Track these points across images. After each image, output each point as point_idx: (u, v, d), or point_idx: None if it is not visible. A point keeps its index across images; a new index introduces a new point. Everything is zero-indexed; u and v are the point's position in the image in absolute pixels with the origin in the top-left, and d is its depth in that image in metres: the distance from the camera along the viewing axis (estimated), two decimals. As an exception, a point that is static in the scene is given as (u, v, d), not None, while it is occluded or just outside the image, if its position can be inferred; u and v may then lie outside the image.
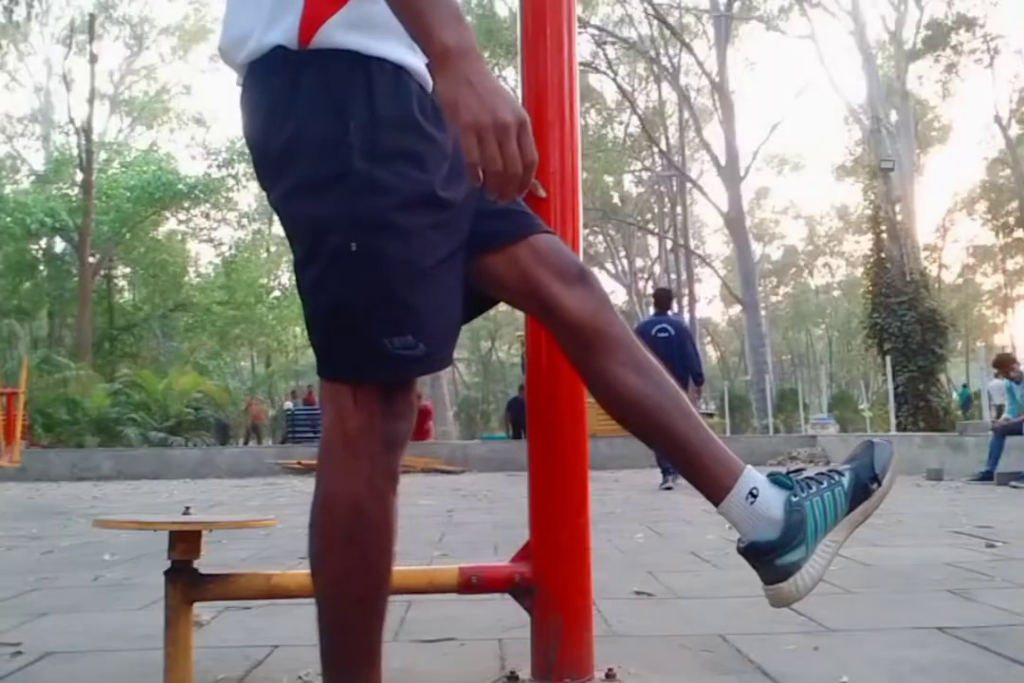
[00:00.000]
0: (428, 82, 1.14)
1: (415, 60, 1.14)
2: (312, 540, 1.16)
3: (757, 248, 35.49)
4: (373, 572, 1.16)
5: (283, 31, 1.11)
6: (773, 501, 1.21)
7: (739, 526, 1.22)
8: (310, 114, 1.10)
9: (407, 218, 1.10)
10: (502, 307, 1.39)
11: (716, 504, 1.22)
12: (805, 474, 1.28)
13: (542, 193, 1.63)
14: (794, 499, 1.21)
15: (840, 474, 1.27)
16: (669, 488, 7.49)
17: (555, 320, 1.25)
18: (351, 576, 1.15)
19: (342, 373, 1.15)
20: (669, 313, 7.90)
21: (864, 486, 1.26)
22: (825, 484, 1.25)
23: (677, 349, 7.18)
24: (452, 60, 1.00)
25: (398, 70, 1.13)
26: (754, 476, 1.23)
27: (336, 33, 1.10)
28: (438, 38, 1.00)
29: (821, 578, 1.22)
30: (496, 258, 1.24)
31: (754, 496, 1.21)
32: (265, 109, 1.14)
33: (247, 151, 1.22)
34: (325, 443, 1.16)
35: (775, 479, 1.24)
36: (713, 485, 1.24)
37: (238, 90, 1.19)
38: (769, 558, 1.20)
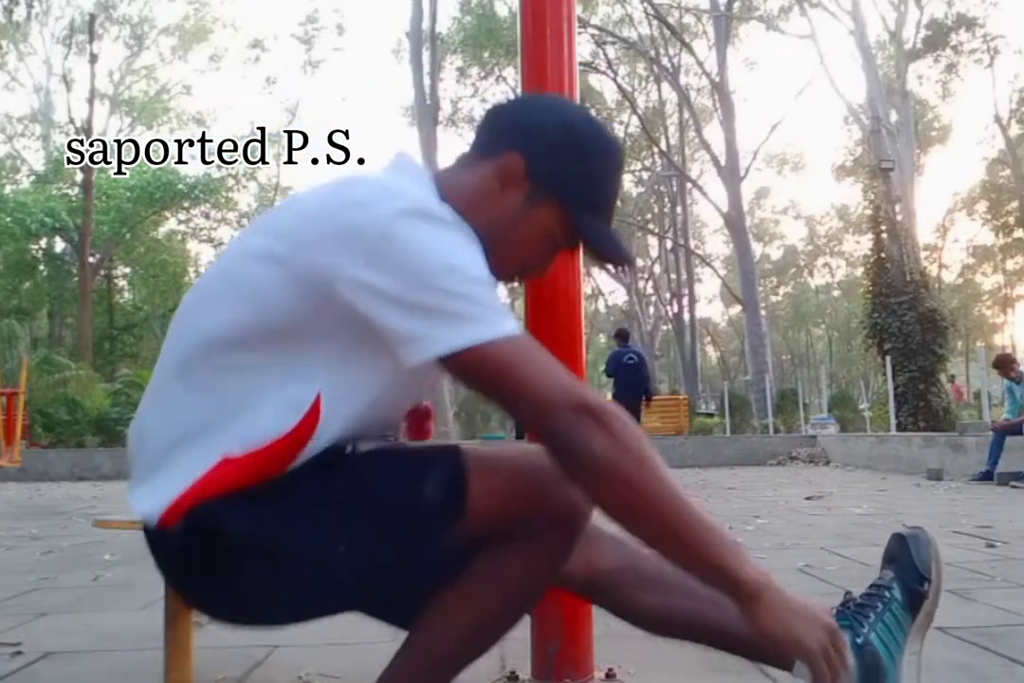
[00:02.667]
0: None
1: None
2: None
3: (757, 248, 35.47)
4: None
5: (150, 499, 1.06)
6: None
7: None
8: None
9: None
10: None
11: (788, 671, 1.19)
12: (855, 601, 1.23)
13: None
14: (859, 640, 1.17)
15: (888, 588, 1.23)
16: None
17: (556, 579, 1.22)
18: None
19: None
20: (630, 344, 10.65)
21: (916, 591, 1.23)
22: (880, 606, 1.21)
23: (641, 371, 10.12)
24: (764, 593, 1.00)
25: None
26: None
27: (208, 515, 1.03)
28: (742, 576, 1.00)
29: None
30: None
31: None
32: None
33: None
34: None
35: None
36: (778, 659, 1.22)
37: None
38: None
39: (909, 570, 1.24)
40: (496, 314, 0.98)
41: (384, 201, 1.00)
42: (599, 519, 1.21)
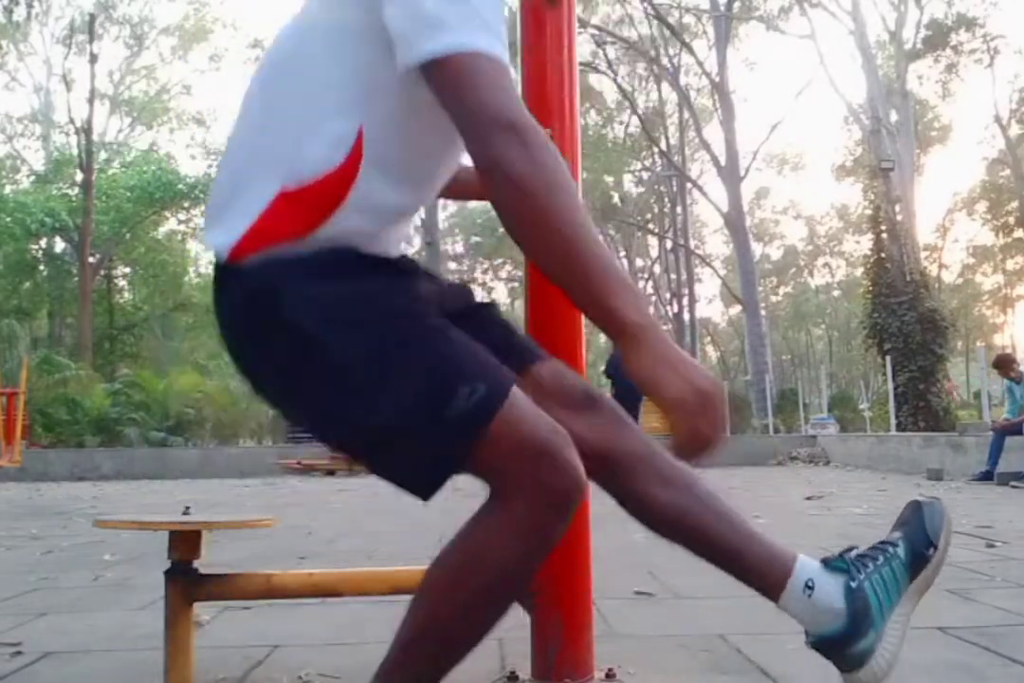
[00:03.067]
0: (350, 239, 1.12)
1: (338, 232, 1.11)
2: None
3: (757, 248, 35.47)
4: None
5: (221, 235, 1.11)
6: (832, 590, 1.17)
7: (802, 621, 1.19)
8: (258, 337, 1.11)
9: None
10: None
11: (774, 601, 1.18)
12: (858, 551, 1.24)
13: None
14: (852, 584, 1.17)
15: (894, 545, 1.23)
16: None
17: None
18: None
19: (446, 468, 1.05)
20: None
21: (921, 554, 1.22)
22: (881, 559, 1.21)
23: None
24: (642, 336, 1.00)
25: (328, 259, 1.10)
26: (807, 567, 1.19)
27: (277, 255, 1.08)
28: (625, 315, 1.00)
29: (898, 656, 1.19)
30: None
31: (811, 588, 1.17)
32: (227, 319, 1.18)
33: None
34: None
35: (830, 565, 1.21)
36: (766, 584, 1.20)
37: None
38: (841, 649, 1.18)
39: (918, 533, 1.24)
40: (480, 29, 1.01)
41: None
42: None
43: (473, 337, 1.11)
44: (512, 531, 1.04)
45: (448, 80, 1.00)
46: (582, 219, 1.00)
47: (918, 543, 1.23)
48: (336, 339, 1.05)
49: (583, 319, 1.84)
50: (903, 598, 1.21)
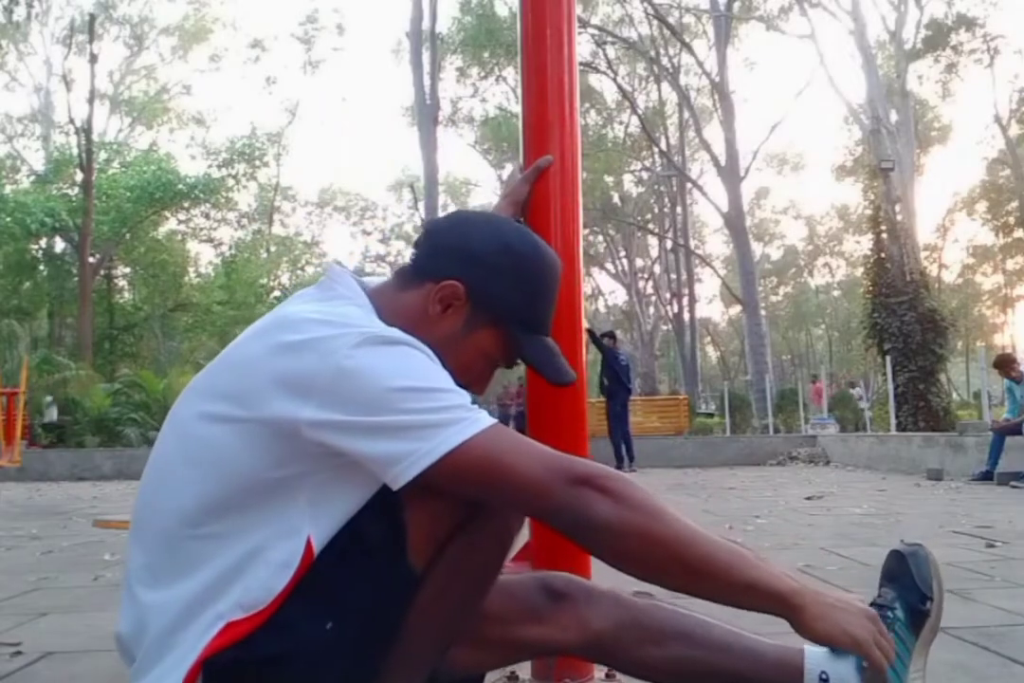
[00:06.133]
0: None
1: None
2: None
3: (757, 248, 35.47)
4: None
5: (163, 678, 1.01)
6: (845, 673, 1.17)
7: None
8: None
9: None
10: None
11: None
12: None
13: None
14: (865, 664, 1.17)
15: (891, 609, 1.23)
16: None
17: (556, 649, 1.25)
18: None
19: None
20: (618, 346, 11.67)
21: (918, 610, 1.23)
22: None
23: (628, 369, 11.41)
24: (806, 599, 1.05)
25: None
26: (816, 659, 1.20)
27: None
28: (785, 588, 1.04)
29: None
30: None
31: (825, 680, 1.18)
32: None
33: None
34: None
35: (836, 648, 1.19)
36: None
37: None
38: None
39: (911, 590, 1.23)
40: (466, 412, 1.00)
41: (325, 341, 1.00)
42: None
43: None
44: (480, 545, 1.12)
45: (476, 466, 0.98)
46: (687, 525, 1.02)
47: (913, 600, 1.23)
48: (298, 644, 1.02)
49: (583, 319, 1.84)
50: (913, 656, 1.22)
